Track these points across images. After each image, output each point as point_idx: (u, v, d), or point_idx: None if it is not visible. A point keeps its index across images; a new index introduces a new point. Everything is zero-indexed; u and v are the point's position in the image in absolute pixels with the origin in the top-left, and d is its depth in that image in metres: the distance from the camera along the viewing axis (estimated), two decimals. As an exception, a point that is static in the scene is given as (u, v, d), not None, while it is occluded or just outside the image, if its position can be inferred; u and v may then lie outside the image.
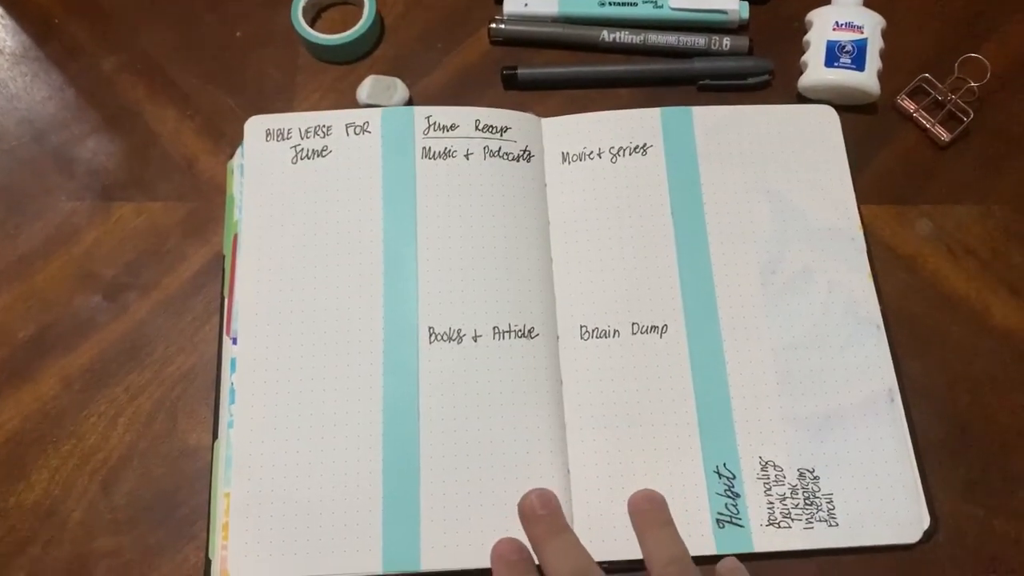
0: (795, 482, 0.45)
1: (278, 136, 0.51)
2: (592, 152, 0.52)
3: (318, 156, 0.50)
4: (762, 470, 0.46)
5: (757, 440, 0.46)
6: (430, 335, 0.47)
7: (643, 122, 0.53)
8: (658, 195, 0.51)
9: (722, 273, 0.49)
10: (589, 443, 0.46)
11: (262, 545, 0.43)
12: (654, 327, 0.48)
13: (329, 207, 0.50)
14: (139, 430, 0.48)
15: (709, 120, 0.53)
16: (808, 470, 0.46)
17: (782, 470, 0.46)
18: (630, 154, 0.52)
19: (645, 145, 0.52)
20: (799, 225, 0.51)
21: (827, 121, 0.53)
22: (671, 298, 0.49)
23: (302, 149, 0.51)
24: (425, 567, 0.43)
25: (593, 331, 0.48)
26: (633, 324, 0.48)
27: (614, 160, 0.52)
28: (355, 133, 0.51)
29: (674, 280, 0.49)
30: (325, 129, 0.51)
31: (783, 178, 0.52)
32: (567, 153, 0.52)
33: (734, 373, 0.48)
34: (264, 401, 0.46)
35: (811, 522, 0.45)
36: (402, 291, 0.48)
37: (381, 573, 0.43)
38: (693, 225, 0.50)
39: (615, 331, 0.48)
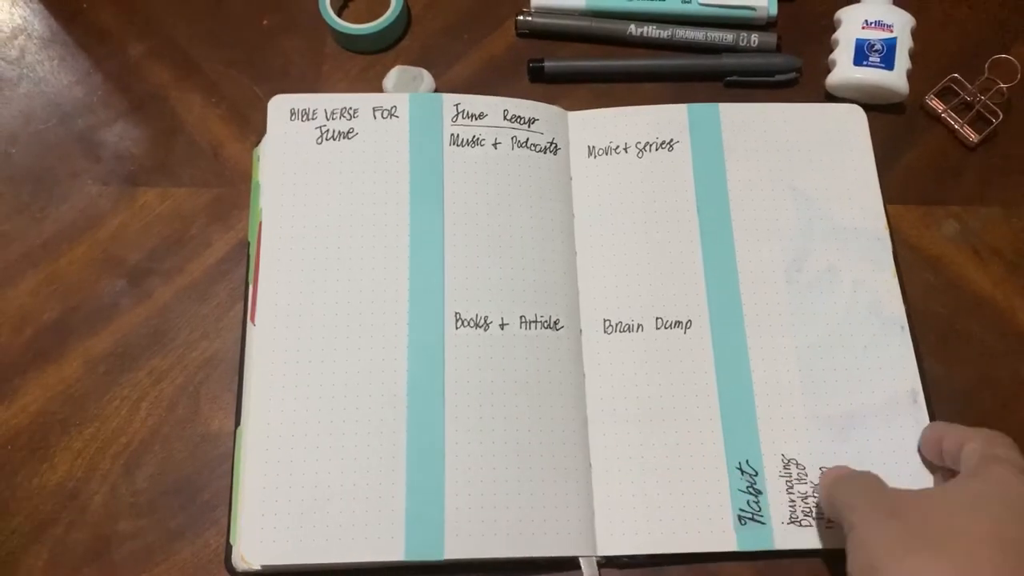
0: (817, 480, 0.45)
1: (303, 116, 0.51)
2: (618, 147, 0.52)
3: (344, 138, 0.50)
4: (784, 468, 0.46)
5: (780, 438, 0.46)
6: (456, 321, 0.47)
7: (670, 118, 0.52)
8: (684, 191, 0.51)
9: (747, 270, 0.49)
10: (611, 436, 0.46)
11: (279, 531, 0.43)
12: (678, 322, 0.48)
13: (354, 188, 0.49)
14: (162, 414, 0.48)
15: (736, 117, 0.53)
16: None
17: (804, 468, 0.46)
18: (656, 149, 0.52)
19: (672, 141, 0.52)
20: (825, 224, 0.50)
21: (854, 120, 0.53)
22: (695, 294, 0.49)
23: (327, 130, 0.50)
24: (449, 555, 0.43)
25: (616, 325, 0.48)
26: (657, 319, 0.48)
27: (640, 155, 0.52)
28: (382, 117, 0.51)
29: (699, 276, 0.49)
30: (352, 111, 0.51)
31: (809, 177, 0.51)
32: (593, 147, 0.52)
33: (757, 370, 0.47)
34: (284, 383, 0.46)
35: (832, 521, 0.44)
36: (428, 275, 0.48)
37: (403, 560, 0.43)
38: (718, 221, 0.50)
39: (639, 325, 0.48)
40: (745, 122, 0.53)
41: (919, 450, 0.46)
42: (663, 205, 0.51)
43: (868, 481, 0.41)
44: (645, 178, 0.51)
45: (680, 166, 0.51)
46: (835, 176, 0.51)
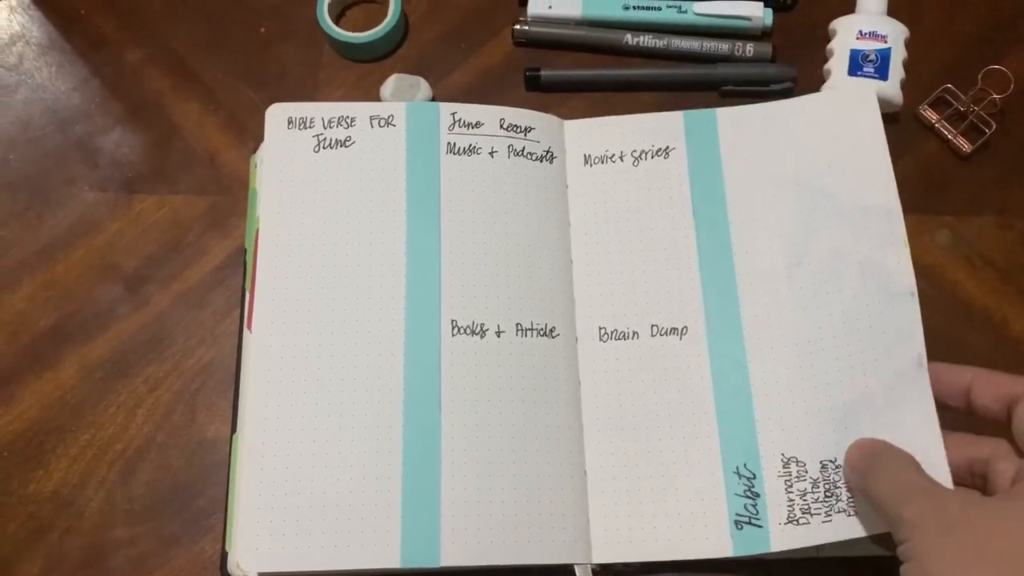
0: (817, 475, 0.44)
1: (300, 124, 0.51)
2: (613, 155, 0.52)
3: (341, 146, 0.50)
4: (784, 467, 0.45)
5: (780, 438, 0.45)
6: (452, 328, 0.47)
7: (665, 125, 0.52)
8: (680, 197, 0.51)
9: (745, 271, 0.49)
10: (606, 444, 0.46)
11: (275, 538, 0.43)
12: (674, 329, 0.48)
13: (351, 197, 0.49)
14: (158, 421, 0.48)
15: (734, 120, 0.52)
16: (831, 460, 0.44)
17: (804, 465, 0.45)
18: (652, 157, 0.52)
19: (667, 148, 0.52)
20: (828, 207, 0.48)
21: (863, 101, 0.50)
22: (692, 300, 0.49)
23: (325, 139, 0.51)
24: (445, 562, 0.43)
25: (612, 332, 0.48)
26: (652, 326, 0.48)
27: (636, 163, 0.52)
28: (379, 125, 0.51)
29: (695, 281, 0.49)
30: (349, 120, 0.51)
31: (814, 168, 0.49)
32: (589, 155, 0.52)
33: (756, 372, 0.47)
34: (279, 390, 0.46)
35: (829, 515, 0.43)
36: (425, 283, 0.48)
37: (399, 568, 0.43)
38: (715, 225, 0.50)
39: (634, 333, 0.48)
40: (744, 124, 0.51)
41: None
42: (659, 212, 0.50)
43: (915, 479, 0.38)
44: (640, 186, 0.51)
45: (676, 173, 0.51)
46: (842, 163, 0.49)
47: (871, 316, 0.45)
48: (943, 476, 0.41)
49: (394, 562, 0.43)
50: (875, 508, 0.39)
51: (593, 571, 0.45)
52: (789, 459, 0.45)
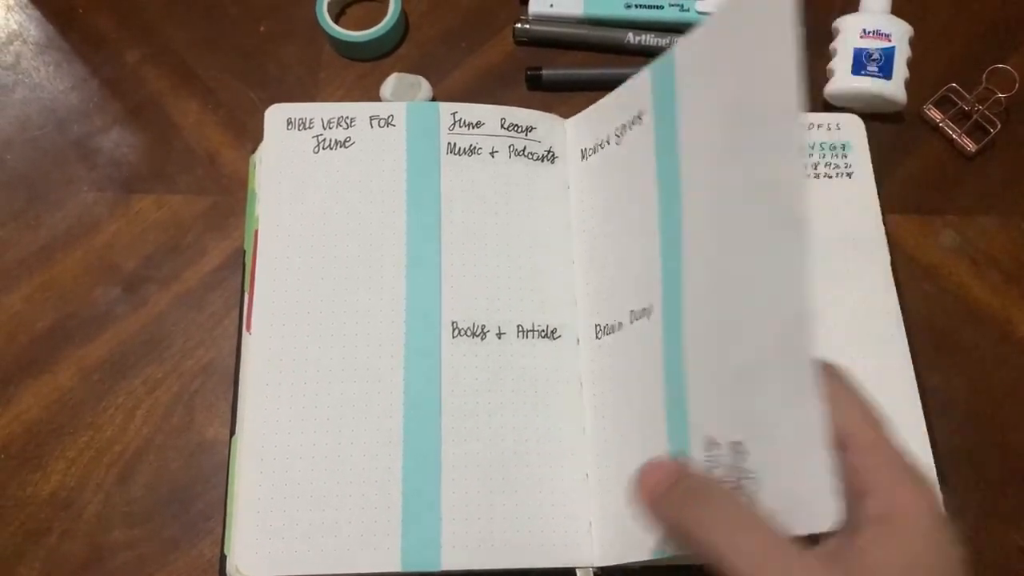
0: (730, 461, 0.35)
1: (299, 125, 0.50)
2: (603, 141, 0.50)
3: (340, 147, 0.50)
4: (706, 450, 0.37)
5: (704, 415, 0.38)
6: (453, 330, 0.47)
7: (637, 87, 0.47)
8: (648, 164, 0.45)
9: (690, 229, 0.41)
10: (603, 444, 0.46)
11: (274, 541, 0.43)
12: (644, 310, 0.45)
13: (351, 197, 0.49)
14: (156, 423, 0.48)
15: (692, 49, 0.42)
16: (737, 443, 0.35)
17: (720, 447, 0.36)
18: (630, 128, 0.48)
19: (640, 113, 0.47)
20: (747, 129, 0.37)
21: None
22: (653, 275, 0.43)
23: (324, 139, 0.50)
24: (446, 566, 0.43)
25: (604, 328, 0.48)
26: (631, 312, 0.46)
27: (619, 142, 0.49)
28: (379, 126, 0.51)
29: (656, 252, 0.44)
30: (348, 120, 0.51)
31: (741, 79, 0.38)
32: (584, 149, 0.51)
33: (688, 342, 0.39)
34: (279, 392, 0.45)
35: None
36: (425, 284, 0.48)
37: (400, 572, 0.43)
38: (672, 184, 0.42)
39: (619, 324, 0.47)
40: (697, 50, 0.41)
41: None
42: (636, 188, 0.46)
43: (762, 539, 0.29)
44: (623, 165, 0.48)
45: (645, 139, 0.46)
46: (755, 64, 0.37)
47: (763, 248, 0.35)
48: (827, 509, 0.30)
49: (395, 566, 0.43)
50: (691, 549, 0.31)
51: (595, 574, 0.44)
52: (709, 441, 0.37)
